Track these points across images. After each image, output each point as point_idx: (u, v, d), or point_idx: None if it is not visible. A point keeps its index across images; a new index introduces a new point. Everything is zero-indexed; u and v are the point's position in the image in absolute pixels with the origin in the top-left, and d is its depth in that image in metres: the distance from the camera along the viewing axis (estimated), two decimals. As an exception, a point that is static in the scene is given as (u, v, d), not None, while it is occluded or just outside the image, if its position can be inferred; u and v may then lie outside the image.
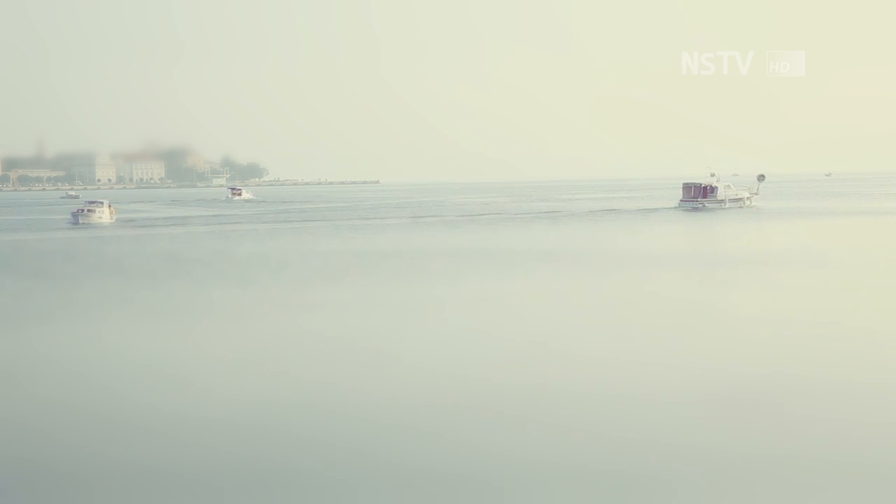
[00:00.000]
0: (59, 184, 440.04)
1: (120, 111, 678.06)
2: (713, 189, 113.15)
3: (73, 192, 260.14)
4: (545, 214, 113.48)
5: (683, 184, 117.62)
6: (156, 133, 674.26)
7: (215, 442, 19.17)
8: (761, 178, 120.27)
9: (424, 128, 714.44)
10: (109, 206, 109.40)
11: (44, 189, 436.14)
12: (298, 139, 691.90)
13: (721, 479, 16.58)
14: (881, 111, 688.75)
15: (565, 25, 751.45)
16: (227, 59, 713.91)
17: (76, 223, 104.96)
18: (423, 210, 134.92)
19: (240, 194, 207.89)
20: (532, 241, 73.36)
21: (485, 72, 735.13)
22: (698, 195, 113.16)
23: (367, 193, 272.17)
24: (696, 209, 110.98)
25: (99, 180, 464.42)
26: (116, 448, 18.90)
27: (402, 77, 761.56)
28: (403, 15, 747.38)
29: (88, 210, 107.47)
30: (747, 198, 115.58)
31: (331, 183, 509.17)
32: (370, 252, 64.59)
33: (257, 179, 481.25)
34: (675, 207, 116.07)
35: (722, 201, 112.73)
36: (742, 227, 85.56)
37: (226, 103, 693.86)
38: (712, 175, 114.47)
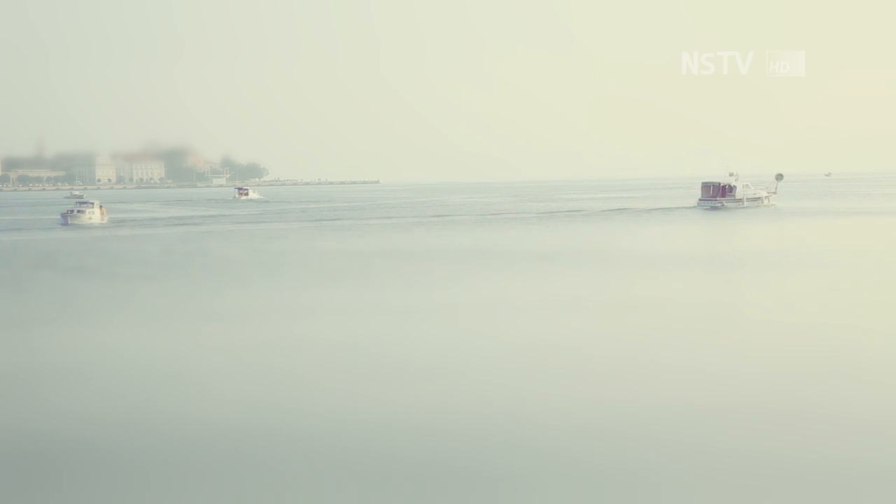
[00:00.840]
0: (59, 184, 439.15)
1: (120, 111, 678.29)
2: (732, 188, 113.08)
3: (77, 192, 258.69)
4: (562, 214, 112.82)
5: (702, 183, 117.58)
6: (156, 133, 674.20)
7: (216, 443, 18.94)
8: (780, 177, 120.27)
9: (424, 128, 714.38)
10: (101, 207, 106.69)
11: (44, 189, 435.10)
12: (298, 139, 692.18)
13: (733, 481, 16.29)
14: (881, 111, 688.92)
15: (566, 25, 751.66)
16: (227, 59, 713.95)
17: (65, 224, 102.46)
18: (429, 210, 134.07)
19: (247, 194, 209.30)
20: (565, 241, 72.47)
21: (485, 72, 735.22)
22: (717, 194, 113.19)
23: (367, 193, 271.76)
24: (715, 208, 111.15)
25: (99, 180, 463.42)
26: (116, 449, 18.67)
27: (402, 77, 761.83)
28: (403, 15, 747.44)
29: (78, 211, 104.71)
30: (765, 197, 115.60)
31: (331, 183, 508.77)
32: (381, 252, 63.69)
33: (257, 179, 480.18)
34: (695, 207, 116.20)
35: (740, 200, 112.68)
36: (765, 226, 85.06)
37: (226, 103, 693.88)
38: (731, 174, 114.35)
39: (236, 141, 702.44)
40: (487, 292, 41.35)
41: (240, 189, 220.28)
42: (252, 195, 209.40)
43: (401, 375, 24.84)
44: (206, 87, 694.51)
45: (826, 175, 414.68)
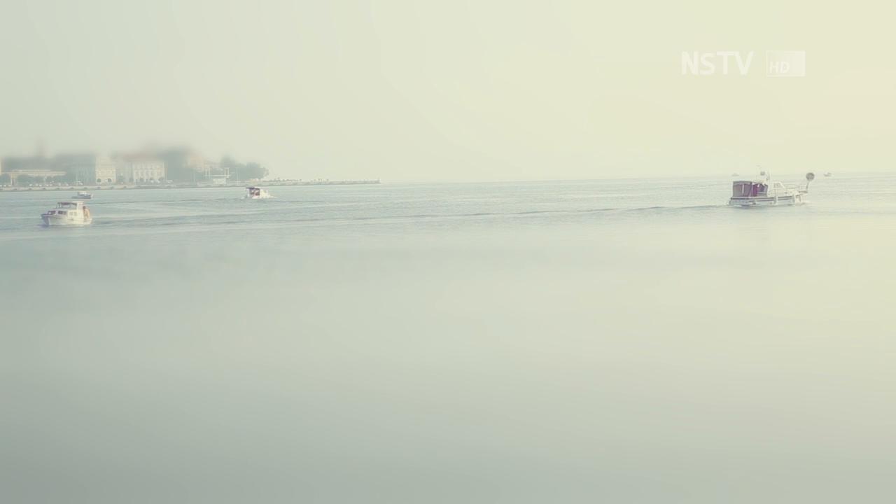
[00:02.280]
0: (59, 184, 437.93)
1: (120, 111, 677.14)
2: (763, 187, 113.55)
3: (84, 192, 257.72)
4: (586, 214, 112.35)
5: (734, 182, 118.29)
6: (156, 133, 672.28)
7: (214, 443, 18.77)
8: (810, 176, 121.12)
9: (424, 128, 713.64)
10: (84, 208, 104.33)
11: (44, 189, 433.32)
12: (298, 139, 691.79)
13: (735, 483, 16.02)
14: (881, 111, 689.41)
15: (566, 25, 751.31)
16: (227, 59, 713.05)
17: (46, 226, 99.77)
18: (439, 210, 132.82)
19: (258, 194, 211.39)
20: (601, 241, 71.44)
21: (485, 72, 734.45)
22: (749, 193, 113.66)
23: (370, 193, 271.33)
24: (747, 207, 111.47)
25: (99, 180, 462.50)
26: (114, 449, 18.48)
27: (403, 77, 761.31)
28: (403, 15, 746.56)
29: (59, 212, 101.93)
30: (797, 196, 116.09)
31: (331, 183, 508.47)
32: (397, 251, 62.66)
33: (257, 179, 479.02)
34: (726, 205, 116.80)
35: (772, 199, 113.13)
36: (804, 225, 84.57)
37: (226, 103, 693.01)
38: (762, 174, 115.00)
39: (236, 141, 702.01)
40: (518, 293, 40.31)
41: (251, 189, 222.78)
42: (263, 195, 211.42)
43: (410, 378, 24.26)
44: (206, 87, 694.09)
45: (826, 175, 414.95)
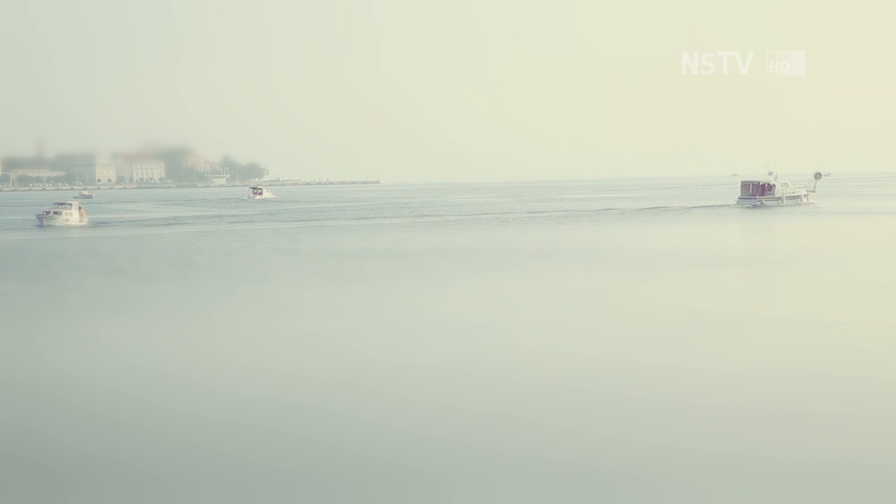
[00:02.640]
0: (59, 184, 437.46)
1: (120, 111, 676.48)
2: (771, 187, 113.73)
3: (86, 192, 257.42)
4: (588, 214, 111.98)
5: (742, 182, 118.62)
6: (156, 133, 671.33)
7: (212, 443, 18.66)
8: (818, 175, 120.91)
9: (425, 128, 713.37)
10: (80, 208, 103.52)
11: (44, 189, 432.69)
12: (298, 139, 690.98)
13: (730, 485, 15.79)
14: (881, 111, 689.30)
15: (566, 25, 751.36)
16: (227, 59, 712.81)
17: (41, 226, 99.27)
18: (439, 210, 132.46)
19: (261, 194, 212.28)
20: (610, 240, 70.44)
21: (485, 72, 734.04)
22: (757, 192, 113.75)
23: (371, 193, 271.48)
24: (755, 206, 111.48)
25: (99, 180, 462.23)
26: (116, 449, 18.34)
27: (403, 77, 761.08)
28: (403, 15, 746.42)
29: (55, 212, 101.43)
30: (804, 195, 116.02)
31: (331, 183, 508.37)
32: (398, 251, 62.05)
33: (257, 179, 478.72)
34: (734, 205, 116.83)
35: (780, 199, 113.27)
36: (812, 224, 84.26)
37: (226, 103, 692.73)
38: (770, 173, 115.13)
39: (236, 141, 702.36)
40: (522, 294, 39.59)
41: (254, 189, 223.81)
42: (266, 195, 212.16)
43: (405, 376, 24.10)
44: (206, 87, 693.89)
45: (826, 175, 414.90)
